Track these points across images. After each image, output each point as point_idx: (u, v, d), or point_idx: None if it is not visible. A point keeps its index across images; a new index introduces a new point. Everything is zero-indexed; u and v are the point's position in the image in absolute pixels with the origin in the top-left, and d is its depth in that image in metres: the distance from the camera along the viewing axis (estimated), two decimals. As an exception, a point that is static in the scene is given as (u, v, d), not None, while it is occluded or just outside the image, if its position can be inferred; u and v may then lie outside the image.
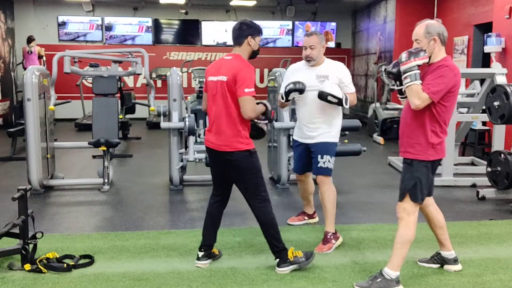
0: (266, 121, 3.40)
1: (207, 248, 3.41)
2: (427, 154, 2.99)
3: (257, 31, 3.24)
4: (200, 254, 3.39)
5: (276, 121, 3.51)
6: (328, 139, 3.85)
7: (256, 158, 3.23)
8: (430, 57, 2.96)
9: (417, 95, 2.85)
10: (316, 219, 4.44)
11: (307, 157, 3.97)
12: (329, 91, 3.64)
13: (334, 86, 3.70)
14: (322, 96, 3.66)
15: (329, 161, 3.83)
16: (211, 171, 3.42)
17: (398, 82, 3.06)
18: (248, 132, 3.23)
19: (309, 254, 3.34)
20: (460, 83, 3.02)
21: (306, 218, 4.42)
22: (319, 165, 3.83)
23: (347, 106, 3.76)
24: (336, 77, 3.80)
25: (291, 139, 5.57)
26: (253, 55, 3.27)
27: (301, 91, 3.74)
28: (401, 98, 3.18)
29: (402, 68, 2.91)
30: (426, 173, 3.02)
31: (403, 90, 3.02)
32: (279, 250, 3.25)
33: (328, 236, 3.81)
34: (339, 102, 3.68)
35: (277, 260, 3.26)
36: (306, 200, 4.38)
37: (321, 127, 3.83)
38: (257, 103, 3.26)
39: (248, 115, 3.10)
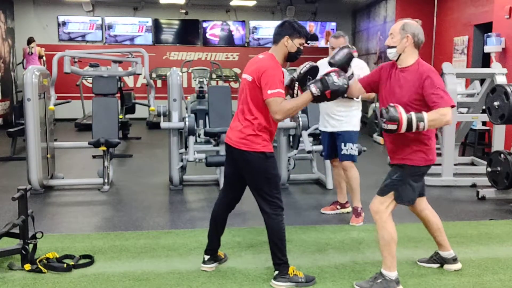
0: (335, 94, 2.95)
1: (212, 252, 3.35)
2: (422, 160, 2.99)
3: (298, 32, 3.04)
4: (206, 257, 3.34)
5: (343, 93, 3.10)
6: (349, 128, 4.29)
7: (272, 162, 3.07)
8: (400, 55, 2.97)
9: (441, 117, 2.77)
10: (349, 209, 4.61)
11: (332, 144, 4.44)
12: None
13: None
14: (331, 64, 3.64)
15: (351, 148, 4.30)
16: (225, 168, 3.32)
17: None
18: (268, 134, 3.06)
19: (310, 278, 3.15)
20: None
21: (338, 207, 4.68)
22: (342, 153, 4.32)
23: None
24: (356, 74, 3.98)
25: (291, 139, 5.59)
26: (290, 57, 3.09)
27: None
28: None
29: (404, 127, 2.76)
30: (418, 177, 3.04)
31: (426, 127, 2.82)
32: (281, 263, 3.09)
33: (358, 210, 4.37)
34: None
35: (276, 272, 3.12)
36: (339, 187, 4.69)
37: (341, 117, 4.27)
38: (304, 92, 3.03)
39: (275, 118, 2.94)
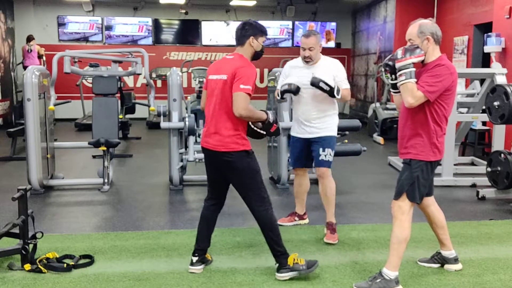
0: (264, 132, 3.22)
1: (202, 253, 3.35)
2: (428, 155, 2.99)
3: (260, 31, 3.20)
4: (194, 259, 3.32)
5: (277, 135, 3.44)
6: (329, 133, 3.97)
7: (253, 159, 3.15)
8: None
9: (411, 93, 2.86)
10: (307, 221, 4.41)
11: (306, 151, 4.07)
12: (321, 78, 3.71)
13: (327, 75, 3.77)
14: (315, 82, 3.71)
15: (330, 154, 3.95)
16: (207, 173, 3.36)
17: (393, 76, 3.03)
18: (244, 132, 3.14)
19: (312, 263, 3.21)
20: (457, 82, 3.03)
21: (296, 219, 4.40)
22: (320, 158, 3.95)
23: (339, 97, 3.80)
24: (332, 75, 3.86)
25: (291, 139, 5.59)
26: (256, 56, 3.22)
27: (294, 92, 3.89)
28: (394, 92, 3.15)
29: (398, 65, 2.91)
30: (425, 173, 3.02)
31: (398, 85, 3.00)
32: (279, 254, 3.17)
33: (334, 226, 3.99)
34: (331, 91, 3.72)
35: (277, 264, 3.19)
36: (299, 198, 4.39)
37: (319, 123, 3.95)
38: (261, 110, 3.19)
39: (238, 112, 2.98)
